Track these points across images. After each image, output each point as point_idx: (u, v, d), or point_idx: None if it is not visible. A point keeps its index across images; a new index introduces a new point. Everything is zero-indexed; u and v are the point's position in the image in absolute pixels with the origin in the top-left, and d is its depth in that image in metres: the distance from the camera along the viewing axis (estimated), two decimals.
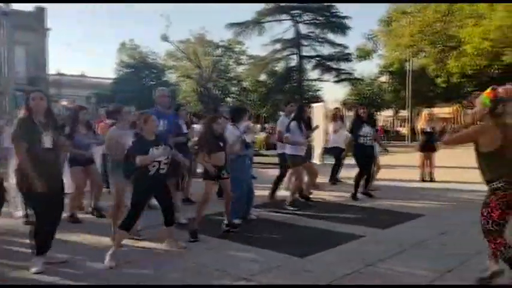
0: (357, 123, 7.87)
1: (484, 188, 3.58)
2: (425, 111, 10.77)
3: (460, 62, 22.36)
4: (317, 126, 8.24)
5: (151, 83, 32.02)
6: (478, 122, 3.59)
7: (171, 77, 37.22)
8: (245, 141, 5.85)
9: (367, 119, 7.87)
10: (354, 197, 7.60)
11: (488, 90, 3.60)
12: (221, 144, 5.23)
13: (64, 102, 11.29)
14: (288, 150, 6.94)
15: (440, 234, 5.29)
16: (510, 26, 19.21)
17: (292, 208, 6.79)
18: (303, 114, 7.10)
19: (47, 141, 4.02)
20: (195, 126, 10.67)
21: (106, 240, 4.86)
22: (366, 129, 7.71)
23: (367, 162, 7.77)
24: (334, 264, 4.22)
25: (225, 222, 5.40)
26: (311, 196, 7.57)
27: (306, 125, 7.17)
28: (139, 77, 31.25)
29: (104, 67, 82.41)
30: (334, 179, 9.52)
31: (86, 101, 27.33)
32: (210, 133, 5.19)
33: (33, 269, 4.01)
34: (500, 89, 3.57)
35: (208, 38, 35.46)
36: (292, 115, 7.14)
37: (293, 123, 6.91)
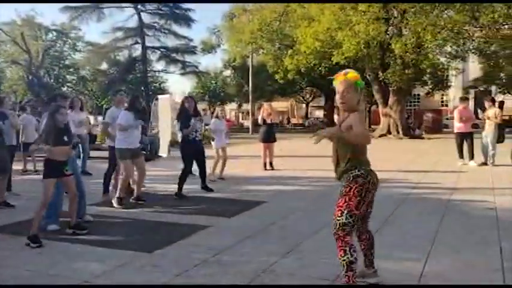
0: (184, 116, 7.40)
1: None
2: (265, 105, 11.47)
3: (295, 60, 24.32)
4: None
5: None
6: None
7: None
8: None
9: (194, 111, 7.48)
10: (179, 194, 7.14)
11: (353, 72, 3.22)
12: (65, 138, 4.85)
13: None
14: (116, 143, 6.49)
15: (282, 219, 5.65)
16: (336, 29, 21.58)
17: (119, 206, 6.35)
18: (137, 104, 6.64)
19: None
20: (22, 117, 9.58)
21: None
22: (194, 123, 7.32)
23: (195, 157, 7.43)
24: (183, 256, 4.17)
25: (71, 224, 4.97)
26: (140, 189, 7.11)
27: (141, 116, 6.76)
28: None
29: None
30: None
31: None
32: (53, 125, 4.80)
33: None
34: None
35: (38, 20, 31.98)
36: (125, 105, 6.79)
37: (125, 113, 6.50)
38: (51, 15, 62.23)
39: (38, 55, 32.17)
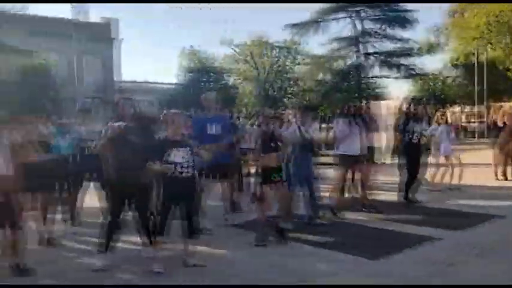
0: (404, 119, 7.22)
1: None
2: (505, 107, 10.17)
3: None
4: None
5: (210, 86, 32.72)
6: None
7: (230, 80, 37.84)
8: (307, 141, 5.79)
9: (416, 114, 7.20)
10: (406, 198, 7.05)
11: None
12: (272, 145, 5.08)
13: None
14: (339, 149, 6.63)
15: None
16: None
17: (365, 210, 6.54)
18: (352, 111, 6.66)
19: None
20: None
21: None
22: (414, 126, 7.06)
23: (418, 161, 7.14)
24: (406, 267, 4.09)
25: (277, 228, 5.12)
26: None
27: (364, 123, 6.71)
28: (198, 81, 32.06)
29: (166, 73, 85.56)
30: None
31: (149, 106, 28.47)
32: (263, 133, 5.15)
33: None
34: None
35: (264, 39, 35.73)
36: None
37: (340, 121, 6.64)
38: (275, 34, 68.85)
39: (264, 71, 35.95)
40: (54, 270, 4.33)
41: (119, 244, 4.81)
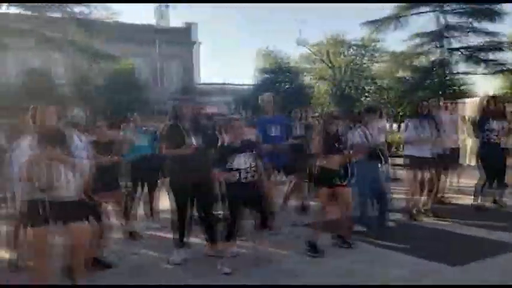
0: (482, 117, 6.63)
1: None
2: None
3: None
4: None
5: (286, 86, 32.83)
6: None
7: (305, 79, 37.69)
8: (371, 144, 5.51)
9: (495, 111, 6.58)
10: (477, 207, 6.48)
11: None
12: (337, 146, 4.78)
13: (210, 109, 12.15)
14: (407, 150, 6.33)
15: None
16: None
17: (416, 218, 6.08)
18: (420, 110, 6.19)
19: (190, 143, 4.44)
20: None
21: None
22: (493, 124, 6.50)
23: (495, 163, 6.51)
24: (485, 274, 3.86)
25: (341, 233, 4.91)
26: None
27: (433, 122, 6.23)
28: (275, 81, 32.28)
29: (244, 74, 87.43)
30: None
31: (228, 107, 29.22)
32: (326, 134, 4.83)
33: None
34: None
35: (341, 38, 35.12)
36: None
37: (408, 122, 6.30)
38: (353, 32, 67.68)
39: (341, 70, 35.34)
40: (133, 263, 4.62)
41: (199, 240, 5.05)
